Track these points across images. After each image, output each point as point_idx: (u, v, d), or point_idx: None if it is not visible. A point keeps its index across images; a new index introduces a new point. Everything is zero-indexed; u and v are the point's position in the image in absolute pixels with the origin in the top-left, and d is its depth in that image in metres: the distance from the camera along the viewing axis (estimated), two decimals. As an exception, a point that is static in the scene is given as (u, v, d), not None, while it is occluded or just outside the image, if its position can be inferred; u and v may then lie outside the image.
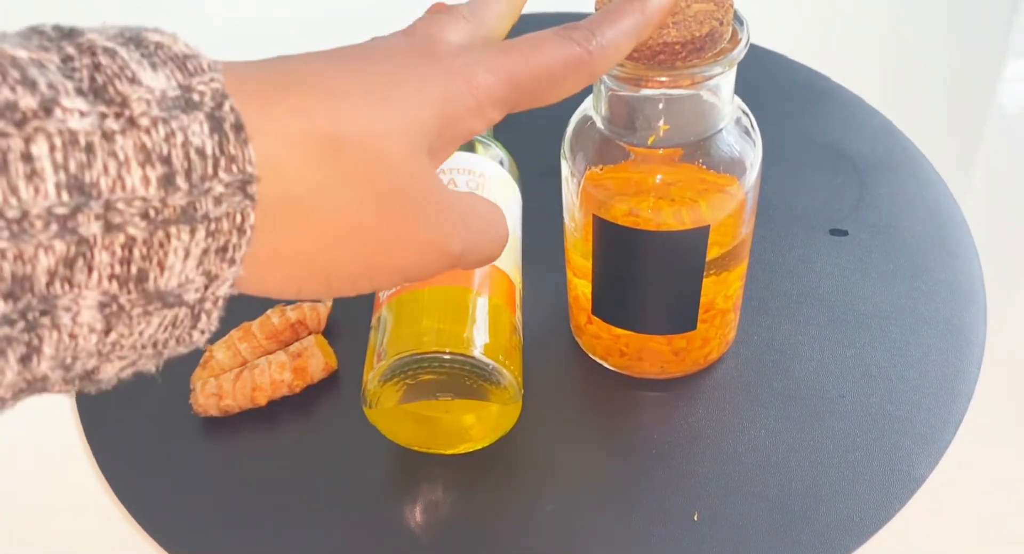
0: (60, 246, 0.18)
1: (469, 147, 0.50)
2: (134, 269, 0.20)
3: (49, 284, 0.19)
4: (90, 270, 0.19)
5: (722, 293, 0.45)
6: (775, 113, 0.63)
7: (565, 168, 0.42)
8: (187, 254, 0.20)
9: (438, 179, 0.26)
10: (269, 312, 0.50)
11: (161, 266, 0.20)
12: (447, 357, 0.41)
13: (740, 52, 0.36)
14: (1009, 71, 1.54)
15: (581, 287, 0.46)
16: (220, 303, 0.22)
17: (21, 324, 0.18)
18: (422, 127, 0.25)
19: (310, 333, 0.50)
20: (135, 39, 0.20)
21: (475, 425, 0.45)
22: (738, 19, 0.37)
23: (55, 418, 0.79)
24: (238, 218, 0.21)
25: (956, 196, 0.57)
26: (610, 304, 0.45)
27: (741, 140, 0.40)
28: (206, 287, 0.21)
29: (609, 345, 0.47)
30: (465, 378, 0.42)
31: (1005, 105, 1.49)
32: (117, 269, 0.19)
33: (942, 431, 0.46)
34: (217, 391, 0.47)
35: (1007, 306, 1.16)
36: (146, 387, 0.50)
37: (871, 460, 0.45)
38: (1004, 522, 1.03)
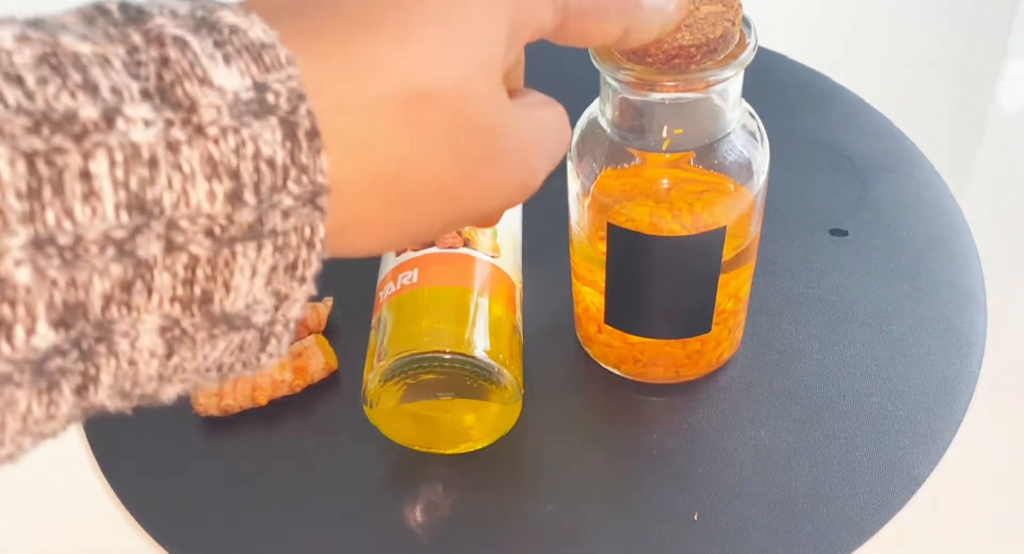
0: (117, 270, 0.17)
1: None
2: (197, 290, 0.18)
3: (105, 309, 0.17)
4: (149, 293, 0.17)
5: (734, 294, 0.45)
6: (775, 113, 0.62)
7: (571, 173, 0.42)
8: (254, 272, 0.19)
9: (510, 106, 0.23)
10: (269, 312, 0.50)
11: (227, 286, 0.18)
12: (447, 357, 0.41)
13: (749, 55, 0.36)
14: (1009, 71, 1.54)
15: (590, 297, 0.46)
16: (291, 326, 0.20)
17: (75, 354, 0.17)
18: (496, 48, 0.22)
19: (310, 333, 0.50)
20: (208, 22, 0.18)
21: (475, 425, 0.45)
22: (745, 22, 0.37)
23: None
24: (307, 231, 0.19)
25: (956, 196, 0.57)
26: (625, 312, 0.44)
27: (749, 143, 0.40)
28: (276, 308, 0.20)
29: (623, 353, 0.47)
30: (465, 378, 0.42)
31: (1005, 105, 1.49)
32: (179, 291, 0.18)
33: (942, 431, 0.46)
34: (217, 391, 0.47)
35: (1007, 306, 1.16)
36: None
37: (871, 460, 0.45)
38: (1004, 522, 1.03)
